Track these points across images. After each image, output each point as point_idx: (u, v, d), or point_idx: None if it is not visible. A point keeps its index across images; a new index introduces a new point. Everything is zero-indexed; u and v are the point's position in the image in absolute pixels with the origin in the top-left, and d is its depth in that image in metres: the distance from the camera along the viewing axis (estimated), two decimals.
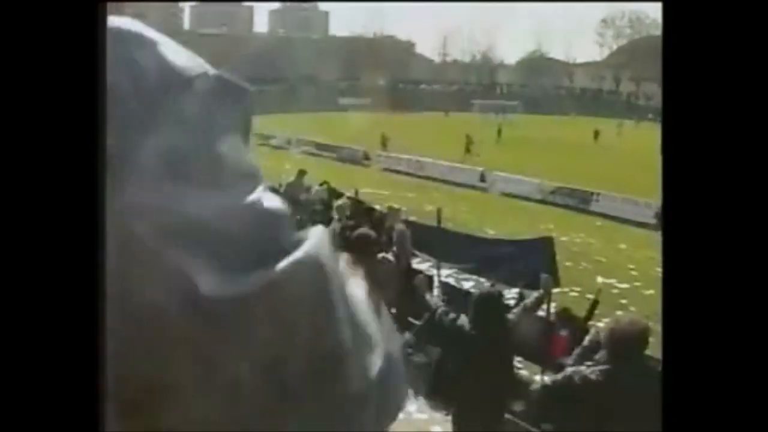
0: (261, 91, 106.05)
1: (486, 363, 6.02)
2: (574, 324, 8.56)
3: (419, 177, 37.79)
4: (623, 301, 14.41)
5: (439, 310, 6.54)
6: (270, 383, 0.60)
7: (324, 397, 0.64)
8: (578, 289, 13.79)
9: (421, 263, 12.89)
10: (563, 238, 19.52)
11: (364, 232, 6.77)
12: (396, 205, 14.06)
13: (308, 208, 15.66)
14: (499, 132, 58.97)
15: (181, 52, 0.66)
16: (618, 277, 17.11)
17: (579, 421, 4.61)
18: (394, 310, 7.46)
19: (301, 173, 18.28)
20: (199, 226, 0.58)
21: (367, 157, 45.05)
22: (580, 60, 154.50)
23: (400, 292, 8.39)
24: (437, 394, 6.97)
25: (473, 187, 34.96)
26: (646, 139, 37.38)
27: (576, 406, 4.56)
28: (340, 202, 15.17)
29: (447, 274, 12.84)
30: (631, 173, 34.22)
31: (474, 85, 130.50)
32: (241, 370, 0.59)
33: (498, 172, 35.46)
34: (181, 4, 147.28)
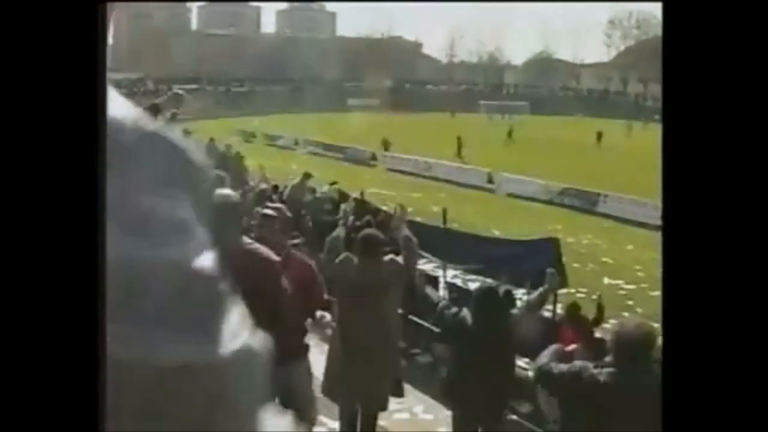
0: (268, 92, 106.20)
1: (487, 358, 6.02)
2: (581, 323, 8.53)
3: (426, 177, 37.76)
4: (630, 303, 14.40)
5: (441, 303, 6.55)
6: None
7: None
8: (585, 290, 13.77)
9: (426, 264, 12.89)
10: (570, 239, 19.51)
11: (371, 233, 6.78)
12: (399, 207, 14.05)
13: (317, 208, 15.64)
14: (510, 133, 58.89)
15: (123, 106, 0.64)
16: (625, 278, 17.09)
17: (582, 420, 4.61)
18: (400, 310, 7.46)
19: (306, 176, 18.29)
20: (118, 277, 0.56)
21: (373, 158, 45.05)
22: (587, 61, 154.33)
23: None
24: (441, 391, 6.98)
25: (480, 188, 34.94)
26: (653, 141, 37.27)
27: (581, 404, 4.56)
28: (344, 205, 15.17)
29: (453, 274, 12.83)
30: (639, 174, 34.17)
31: (481, 86, 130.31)
32: None
33: (505, 172, 35.41)
34: (188, 4, 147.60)
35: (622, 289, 16.02)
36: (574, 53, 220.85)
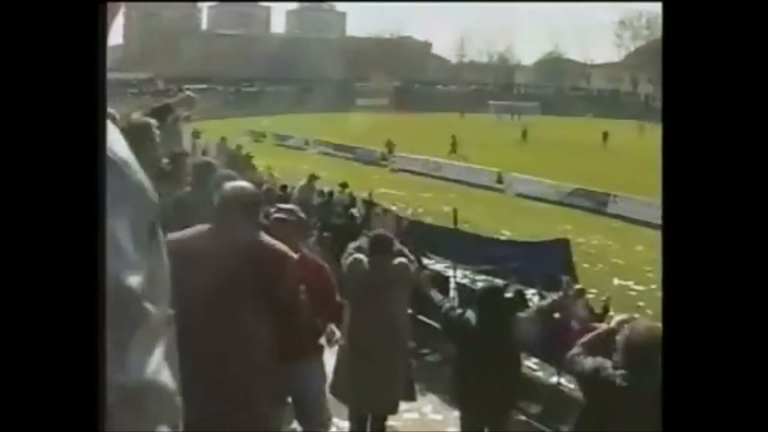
0: (278, 92, 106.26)
1: (492, 358, 6.01)
2: (587, 313, 8.52)
3: (435, 178, 37.75)
4: (640, 304, 14.35)
5: (445, 306, 6.55)
6: None
7: None
8: (594, 290, 13.74)
9: (436, 264, 12.88)
10: (580, 240, 19.47)
11: (381, 233, 6.79)
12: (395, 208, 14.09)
13: (327, 211, 15.67)
14: (524, 133, 58.87)
15: None
16: (635, 279, 17.05)
17: (597, 417, 4.61)
18: (410, 310, 7.45)
19: (312, 178, 18.35)
20: None
21: (383, 158, 45.04)
22: (597, 61, 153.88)
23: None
24: (446, 391, 6.98)
25: (490, 188, 34.91)
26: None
27: (597, 400, 4.57)
28: (353, 210, 15.22)
29: (463, 275, 12.82)
30: (649, 175, 34.06)
31: (491, 86, 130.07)
32: None
33: (514, 173, 35.37)
34: (198, 4, 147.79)
35: (631, 290, 15.98)
36: (584, 53, 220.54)
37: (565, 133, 61.72)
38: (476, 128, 57.03)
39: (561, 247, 11.31)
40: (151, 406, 0.62)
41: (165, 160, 5.98)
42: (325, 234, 13.67)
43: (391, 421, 6.89)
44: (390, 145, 45.87)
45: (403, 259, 6.50)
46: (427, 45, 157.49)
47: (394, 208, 16.17)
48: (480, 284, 13.04)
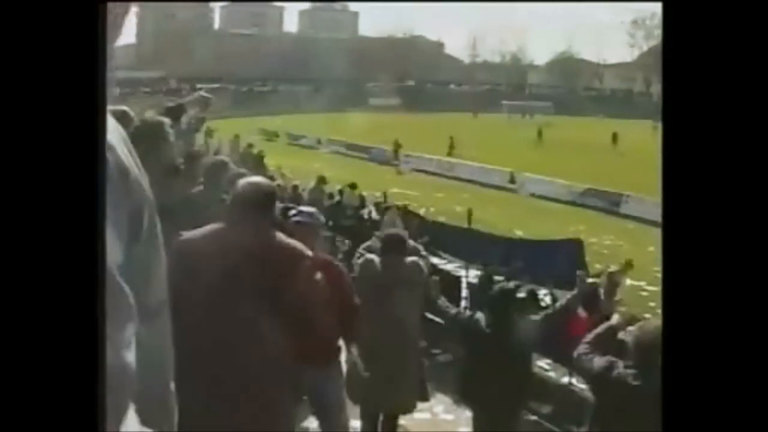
0: (290, 91, 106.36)
1: (502, 358, 6.00)
2: (599, 306, 8.49)
3: (448, 178, 37.72)
4: (651, 304, 14.30)
5: (453, 312, 6.55)
6: None
7: None
8: None
9: (448, 264, 12.87)
10: (593, 240, 19.42)
11: (394, 232, 6.79)
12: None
13: (339, 214, 15.68)
14: (540, 133, 58.81)
15: None
16: (647, 279, 16.98)
17: (608, 416, 4.61)
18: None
19: (321, 181, 18.44)
20: None
21: (397, 158, 45.01)
22: (610, 61, 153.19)
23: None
24: (460, 393, 6.97)
25: (502, 188, 34.87)
26: None
27: (607, 399, 4.57)
28: (363, 211, 15.24)
29: (475, 275, 12.81)
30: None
31: (503, 86, 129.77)
32: None
33: (527, 173, 35.32)
34: (211, 4, 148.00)
35: (643, 290, 15.92)
36: (597, 53, 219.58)
37: (577, 134, 61.57)
38: (489, 128, 56.93)
39: (574, 248, 11.30)
40: (109, 385, 0.63)
41: (180, 159, 5.99)
42: (335, 235, 13.67)
43: (403, 421, 6.89)
44: (396, 146, 45.68)
45: (415, 259, 6.50)
46: (440, 45, 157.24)
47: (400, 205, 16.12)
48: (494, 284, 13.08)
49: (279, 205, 5.30)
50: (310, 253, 4.14)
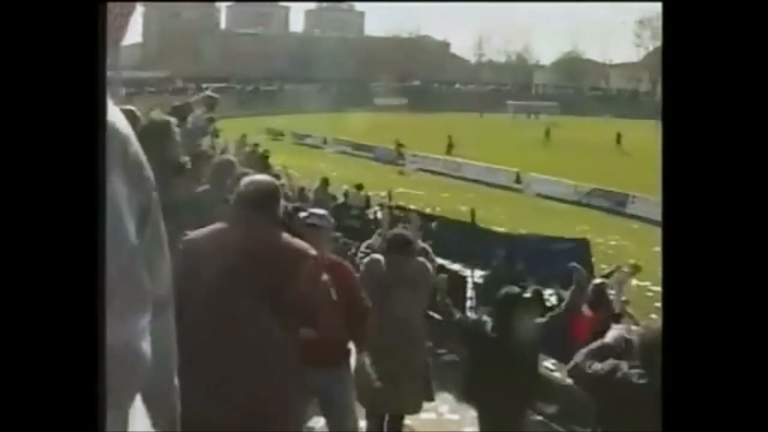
0: (296, 91, 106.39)
1: (508, 359, 6.00)
2: (605, 306, 8.45)
3: (454, 177, 37.71)
4: (657, 305, 14.28)
5: (458, 317, 6.55)
6: None
7: None
8: (612, 292, 13.66)
9: (453, 264, 12.85)
10: (598, 240, 19.40)
11: (400, 233, 6.79)
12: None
13: (344, 214, 15.67)
14: (547, 133, 58.76)
15: None
16: (652, 280, 16.94)
17: (615, 420, 4.60)
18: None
19: (324, 182, 18.47)
20: None
21: (402, 157, 44.99)
22: (616, 61, 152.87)
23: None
24: (465, 393, 6.97)
25: (508, 188, 34.85)
26: None
27: (614, 403, 4.55)
28: (368, 212, 15.23)
29: (480, 275, 12.79)
30: None
31: (509, 86, 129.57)
32: None
33: (533, 173, 35.29)
34: (216, 3, 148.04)
35: (649, 290, 15.88)
36: (603, 53, 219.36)
37: (583, 134, 61.49)
38: (495, 128, 56.90)
39: (580, 247, 11.29)
40: (122, 369, 0.63)
41: (186, 158, 5.99)
42: (340, 236, 13.65)
43: (408, 421, 6.89)
44: (399, 147, 45.55)
45: (421, 259, 6.50)
46: (446, 44, 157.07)
47: (413, 207, 16.13)
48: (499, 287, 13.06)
49: (286, 204, 5.26)
50: (314, 252, 4.05)
